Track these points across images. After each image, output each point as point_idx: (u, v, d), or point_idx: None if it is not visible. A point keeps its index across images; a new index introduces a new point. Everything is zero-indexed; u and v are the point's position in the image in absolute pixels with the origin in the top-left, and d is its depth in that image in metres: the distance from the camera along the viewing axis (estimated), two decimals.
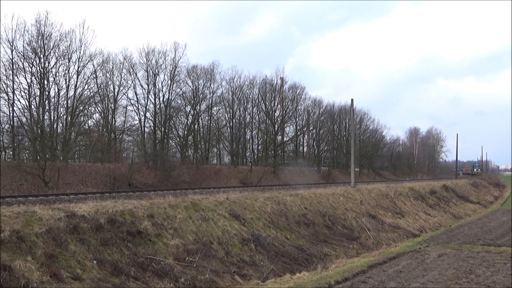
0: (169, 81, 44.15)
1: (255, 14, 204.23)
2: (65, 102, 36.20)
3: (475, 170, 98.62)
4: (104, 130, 41.01)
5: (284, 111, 57.75)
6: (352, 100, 34.80)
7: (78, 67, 36.33)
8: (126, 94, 42.52)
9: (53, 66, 34.63)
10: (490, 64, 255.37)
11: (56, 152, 35.20)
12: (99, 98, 39.65)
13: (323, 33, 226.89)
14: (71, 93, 36.34)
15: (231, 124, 53.25)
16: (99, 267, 9.61)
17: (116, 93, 41.16)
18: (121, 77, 41.53)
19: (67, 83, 35.86)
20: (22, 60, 33.08)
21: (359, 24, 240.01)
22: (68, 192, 25.36)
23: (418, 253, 13.85)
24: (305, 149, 67.19)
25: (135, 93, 43.29)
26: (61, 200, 18.33)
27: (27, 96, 33.65)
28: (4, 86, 32.55)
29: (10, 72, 32.54)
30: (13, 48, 32.35)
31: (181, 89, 46.30)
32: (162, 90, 43.97)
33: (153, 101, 43.68)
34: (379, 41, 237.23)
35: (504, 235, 18.52)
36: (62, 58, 35.20)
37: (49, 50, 34.01)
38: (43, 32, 33.29)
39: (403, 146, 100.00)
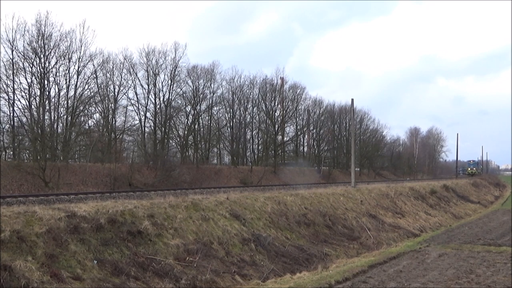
0: (169, 81, 44.24)
1: (254, 13, 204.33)
2: (66, 102, 36.26)
3: (469, 169, 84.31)
4: (105, 130, 41.02)
5: (284, 111, 57.75)
6: (352, 100, 34.81)
7: (79, 67, 36.40)
8: (126, 94, 42.62)
9: (53, 66, 34.68)
10: (490, 64, 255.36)
11: (57, 152, 35.20)
12: (99, 98, 39.67)
13: (323, 33, 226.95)
14: (71, 93, 36.43)
15: (231, 124, 53.26)
16: (100, 267, 9.61)
17: (116, 93, 41.23)
18: (121, 77, 41.61)
19: (68, 83, 35.93)
20: (23, 60, 33.13)
21: (359, 24, 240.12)
22: (68, 192, 25.35)
23: (418, 253, 13.85)
24: (305, 149, 67.26)
25: (135, 93, 43.39)
26: (61, 200, 18.34)
27: (28, 96, 33.69)
28: (4, 86, 32.61)
29: (11, 72, 32.58)
30: (13, 48, 32.41)
31: (181, 89, 46.41)
32: (162, 90, 44.09)
33: (153, 101, 43.77)
34: (379, 40, 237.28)
35: (505, 235, 18.52)
36: (63, 58, 35.24)
37: (50, 50, 34.03)
38: (43, 32, 33.33)
39: (404, 146, 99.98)
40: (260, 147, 58.55)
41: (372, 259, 12.84)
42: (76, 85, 36.43)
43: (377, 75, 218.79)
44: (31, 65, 33.45)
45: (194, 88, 47.54)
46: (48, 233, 9.61)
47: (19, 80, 33.31)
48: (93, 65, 37.90)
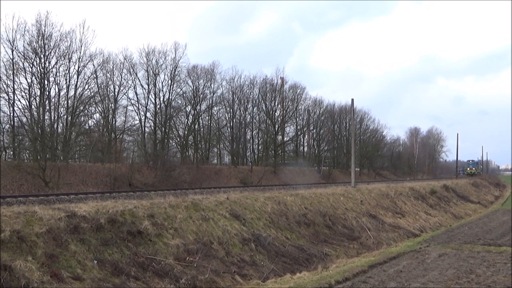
0: (170, 81, 44.25)
1: (254, 13, 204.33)
2: (66, 102, 36.27)
3: (468, 169, 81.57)
4: (105, 130, 41.02)
5: (284, 111, 57.75)
6: (352, 100, 34.80)
7: (79, 67, 36.40)
8: (126, 94, 42.63)
9: (53, 66, 34.68)
10: (490, 64, 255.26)
11: (57, 152, 35.20)
12: (99, 98, 39.68)
13: (323, 33, 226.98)
14: (71, 93, 36.43)
15: (231, 124, 53.27)
16: (100, 267, 9.61)
17: (116, 93, 41.23)
18: (121, 77, 41.60)
19: (68, 83, 35.93)
20: (23, 60, 33.13)
21: (359, 24, 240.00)
22: (68, 192, 25.35)
23: (418, 253, 13.85)
24: (305, 149, 67.25)
25: (136, 93, 43.39)
26: (61, 200, 18.34)
27: (28, 96, 33.70)
28: (4, 86, 32.63)
29: (11, 72, 32.60)
30: (13, 48, 32.42)
31: (181, 89, 46.41)
32: (162, 90, 44.10)
33: (154, 101, 43.78)
34: (379, 40, 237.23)
35: (505, 235, 18.52)
36: (63, 58, 35.25)
37: (50, 50, 34.03)
38: (43, 32, 33.33)
39: (404, 146, 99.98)
40: (260, 147, 58.57)
41: (372, 259, 12.84)
42: (76, 85, 36.48)
43: (377, 75, 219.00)
44: (31, 65, 33.47)
45: (194, 88, 47.59)
46: (48, 233, 9.61)
47: (19, 80, 33.39)
48: (93, 65, 37.96)
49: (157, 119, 43.90)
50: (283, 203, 18.24)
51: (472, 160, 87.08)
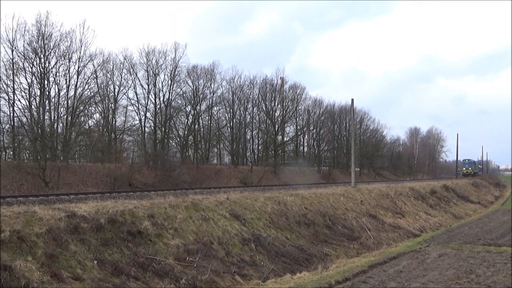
0: (170, 81, 44.22)
1: (254, 12, 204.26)
2: (66, 102, 36.23)
3: (464, 169, 74.49)
4: (105, 130, 41.01)
5: (284, 111, 57.74)
6: (352, 100, 34.80)
7: (79, 67, 36.37)
8: (126, 94, 42.60)
9: (53, 66, 34.64)
10: (490, 64, 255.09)
11: (57, 152, 35.20)
12: (99, 98, 39.66)
13: (323, 32, 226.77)
14: (71, 93, 36.39)
15: (231, 124, 53.25)
16: (100, 267, 9.61)
17: (116, 93, 41.21)
18: (121, 77, 41.58)
19: (68, 83, 35.89)
20: (23, 60, 33.10)
21: (359, 24, 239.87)
22: (68, 192, 25.34)
23: (418, 253, 13.85)
24: (305, 149, 67.23)
25: (136, 93, 43.36)
26: (61, 200, 18.33)
27: (28, 96, 33.66)
28: (4, 86, 32.60)
29: (11, 72, 32.56)
30: (13, 48, 32.38)
31: (181, 89, 46.38)
32: (162, 90, 44.07)
33: (154, 101, 43.76)
34: (379, 40, 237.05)
35: (505, 235, 18.52)
36: (63, 58, 35.22)
37: (50, 50, 34.00)
38: (43, 32, 33.31)
39: (404, 146, 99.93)
40: (260, 147, 58.56)
41: (372, 259, 12.84)
42: (76, 85, 36.45)
43: (377, 75, 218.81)
44: (31, 65, 33.45)
45: (194, 88, 47.58)
46: (48, 233, 9.61)
47: (19, 80, 33.36)
48: (93, 65, 37.93)
49: (157, 119, 43.91)
50: (283, 203, 18.25)
51: (468, 160, 78.88)
